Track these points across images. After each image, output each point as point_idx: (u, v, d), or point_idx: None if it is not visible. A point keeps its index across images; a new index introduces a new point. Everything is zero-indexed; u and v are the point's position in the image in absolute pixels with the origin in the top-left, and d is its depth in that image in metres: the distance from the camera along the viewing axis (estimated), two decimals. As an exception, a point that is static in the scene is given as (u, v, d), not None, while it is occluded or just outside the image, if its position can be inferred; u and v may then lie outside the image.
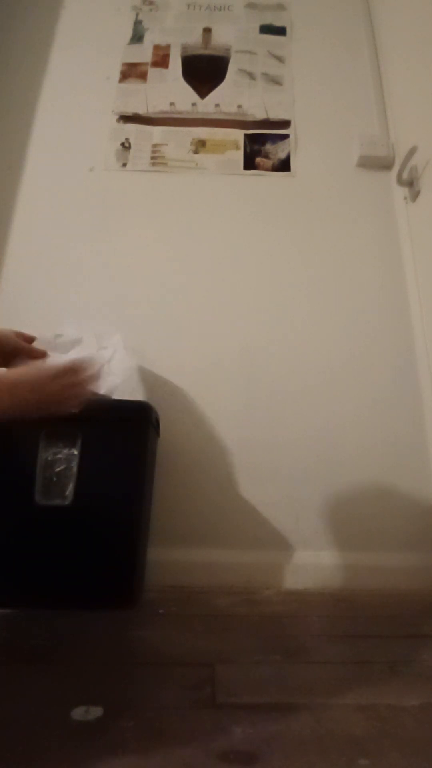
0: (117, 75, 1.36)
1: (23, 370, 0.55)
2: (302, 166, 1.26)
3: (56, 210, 1.19)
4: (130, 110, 1.31)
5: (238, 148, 1.27)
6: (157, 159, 1.26)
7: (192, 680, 0.49)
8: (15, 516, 0.72)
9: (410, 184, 1.11)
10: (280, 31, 1.42)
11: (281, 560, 0.92)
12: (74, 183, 1.23)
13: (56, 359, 0.60)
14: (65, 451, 0.75)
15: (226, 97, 1.33)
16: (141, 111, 1.31)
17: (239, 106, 1.32)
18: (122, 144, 1.27)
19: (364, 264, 1.16)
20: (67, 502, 0.73)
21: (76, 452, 0.75)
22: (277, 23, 1.43)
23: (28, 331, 0.64)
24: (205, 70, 1.37)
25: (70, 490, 0.73)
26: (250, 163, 1.26)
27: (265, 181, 1.24)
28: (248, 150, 1.27)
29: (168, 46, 1.39)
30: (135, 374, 0.98)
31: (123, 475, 0.76)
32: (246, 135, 1.29)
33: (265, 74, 1.36)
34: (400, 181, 1.12)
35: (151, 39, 1.41)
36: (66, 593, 0.70)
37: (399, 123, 1.23)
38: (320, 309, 1.11)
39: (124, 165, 1.25)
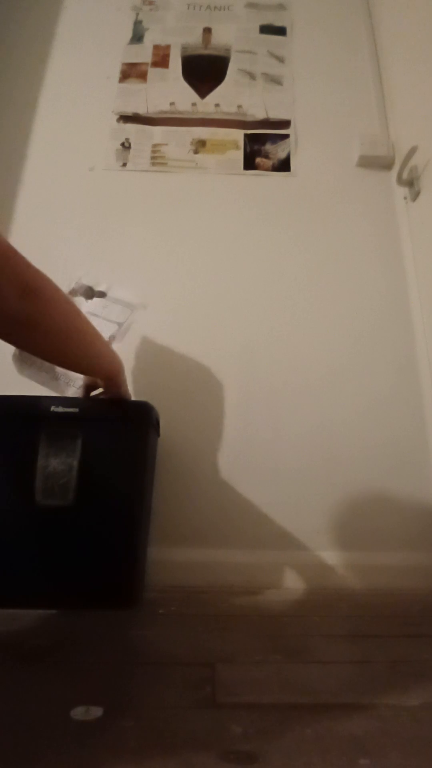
0: (117, 75, 1.36)
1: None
2: (302, 166, 1.26)
3: (56, 209, 1.19)
4: (130, 110, 1.31)
5: (238, 148, 1.27)
6: (157, 159, 1.26)
7: (192, 680, 0.48)
8: (15, 516, 0.72)
9: (410, 184, 1.11)
10: (280, 31, 1.42)
11: (282, 560, 0.92)
12: (74, 183, 1.23)
13: None
14: (66, 451, 0.75)
15: (226, 97, 1.33)
16: (141, 111, 1.31)
17: (239, 106, 1.32)
18: (122, 144, 1.27)
19: (365, 264, 1.16)
20: (67, 502, 0.73)
21: (76, 452, 0.75)
22: (278, 23, 1.43)
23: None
24: (205, 70, 1.37)
25: (70, 490, 0.73)
26: (250, 163, 1.26)
27: (265, 180, 1.24)
28: (248, 150, 1.27)
29: (168, 46, 1.39)
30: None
31: (123, 475, 0.76)
32: (246, 135, 1.29)
33: (265, 74, 1.36)
34: (400, 181, 1.12)
35: (151, 39, 1.40)
36: (66, 593, 0.70)
37: (399, 123, 1.23)
38: (320, 308, 1.11)
39: (124, 165, 1.26)
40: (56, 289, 0.61)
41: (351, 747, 0.37)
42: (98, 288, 0.91)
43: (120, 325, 0.88)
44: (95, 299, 0.89)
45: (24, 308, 0.56)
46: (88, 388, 0.82)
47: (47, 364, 0.79)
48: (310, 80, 1.35)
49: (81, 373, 0.78)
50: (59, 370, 0.81)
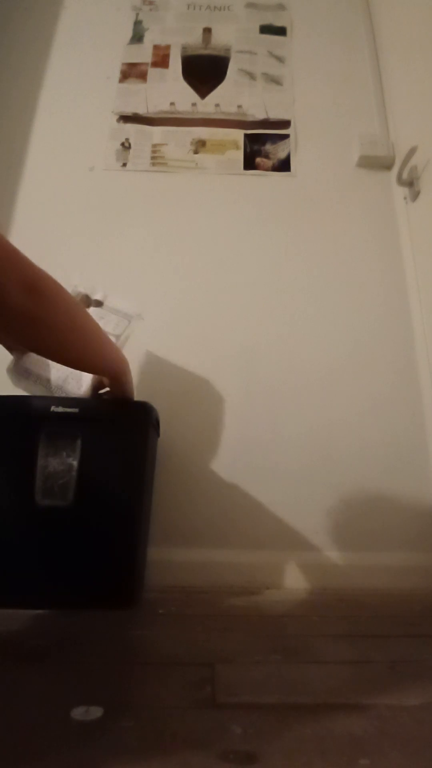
0: (117, 75, 1.36)
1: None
2: (302, 166, 1.26)
3: (56, 210, 1.19)
4: (130, 110, 1.31)
5: (238, 148, 1.27)
6: (157, 159, 1.26)
7: (192, 680, 0.48)
8: (15, 516, 0.72)
9: (410, 184, 1.11)
10: (280, 31, 1.42)
11: (281, 560, 0.92)
12: (74, 183, 1.23)
13: None
14: (65, 451, 0.75)
15: (226, 97, 1.33)
16: (141, 111, 1.31)
17: (239, 106, 1.32)
18: (122, 144, 1.27)
19: (364, 264, 1.16)
20: (67, 503, 0.73)
21: (76, 452, 0.75)
22: (277, 23, 1.43)
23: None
24: (205, 70, 1.37)
25: (70, 490, 0.73)
26: (250, 163, 1.26)
27: (265, 181, 1.24)
28: (248, 150, 1.27)
29: (168, 46, 1.39)
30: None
31: (123, 475, 0.76)
32: (246, 135, 1.29)
33: (265, 74, 1.36)
34: (400, 181, 1.13)
35: (151, 39, 1.41)
36: (66, 593, 0.70)
37: (399, 123, 1.23)
38: (320, 309, 1.11)
39: (124, 165, 1.26)
40: (60, 287, 0.62)
41: (351, 747, 0.37)
42: (95, 296, 0.91)
43: (117, 337, 0.88)
44: (92, 308, 0.89)
45: (28, 305, 0.56)
46: (96, 388, 0.82)
47: (43, 377, 0.80)
48: (309, 80, 1.35)
49: (86, 371, 0.78)
50: (54, 383, 0.81)
